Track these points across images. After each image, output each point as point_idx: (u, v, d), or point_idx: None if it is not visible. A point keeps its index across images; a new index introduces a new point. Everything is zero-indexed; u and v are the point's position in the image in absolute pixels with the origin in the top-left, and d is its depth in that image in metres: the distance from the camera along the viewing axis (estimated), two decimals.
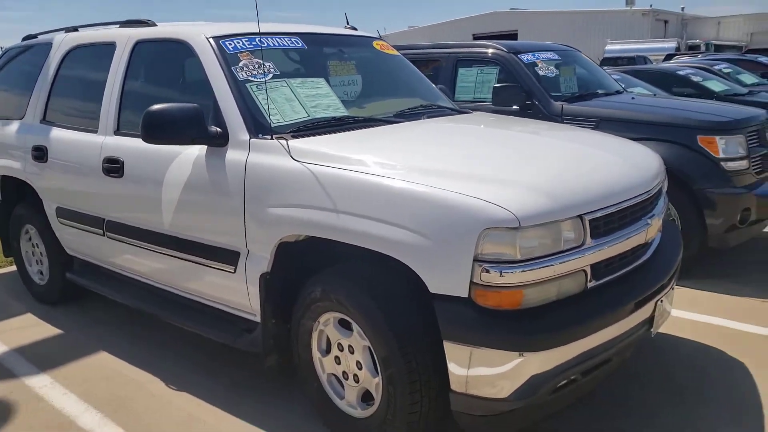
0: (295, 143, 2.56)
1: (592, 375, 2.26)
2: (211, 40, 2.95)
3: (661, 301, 2.46)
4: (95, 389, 3.10)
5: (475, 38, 32.27)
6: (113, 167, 3.22)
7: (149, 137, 2.64)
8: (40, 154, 3.77)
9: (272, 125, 2.67)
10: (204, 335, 3.02)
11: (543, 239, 2.03)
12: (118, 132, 3.30)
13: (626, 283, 2.32)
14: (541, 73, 5.06)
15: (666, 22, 35.19)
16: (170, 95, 3.12)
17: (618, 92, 5.49)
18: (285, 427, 2.69)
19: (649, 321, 2.43)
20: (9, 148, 4.10)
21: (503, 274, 1.98)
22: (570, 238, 2.09)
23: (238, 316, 2.88)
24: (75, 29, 3.98)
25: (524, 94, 4.88)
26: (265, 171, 2.54)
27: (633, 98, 5.13)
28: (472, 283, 2.01)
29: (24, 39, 4.44)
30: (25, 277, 4.42)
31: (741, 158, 4.09)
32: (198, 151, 2.80)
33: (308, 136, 2.67)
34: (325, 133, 2.72)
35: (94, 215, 3.47)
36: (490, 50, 5.38)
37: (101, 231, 3.44)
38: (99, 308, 4.09)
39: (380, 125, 2.95)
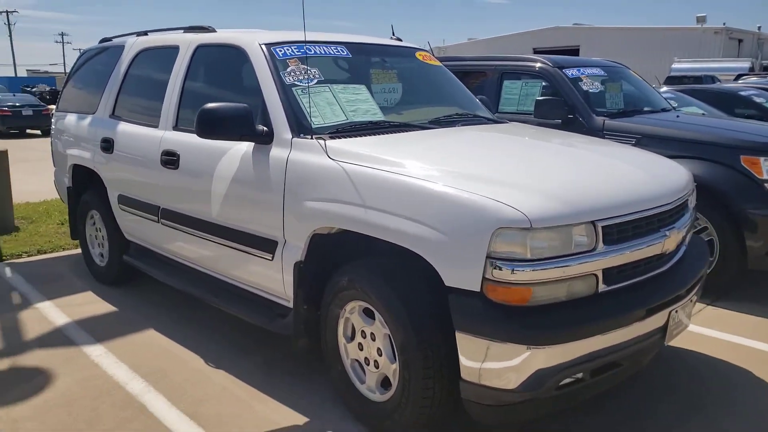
0: (332, 143, 2.76)
1: (600, 377, 2.34)
2: (263, 46, 3.20)
3: (676, 311, 2.51)
4: (143, 361, 3.39)
5: (536, 52, 32.05)
6: (170, 159, 3.52)
7: (202, 132, 2.90)
8: (107, 145, 4.14)
9: (313, 126, 2.89)
10: (242, 318, 3.26)
11: (553, 241, 2.14)
12: (176, 127, 3.61)
13: (640, 290, 2.39)
14: (585, 88, 5.11)
15: (740, 41, 33.89)
16: (225, 95, 3.40)
17: (665, 110, 5.46)
18: (310, 406, 2.88)
19: (663, 330, 2.48)
20: (81, 139, 4.51)
21: (514, 272, 2.11)
22: (582, 242, 2.20)
23: (273, 302, 3.11)
24: (145, 33, 4.35)
25: (566, 108, 4.95)
26: (303, 167, 2.76)
27: (678, 116, 5.10)
28: (484, 278, 2.14)
29: (101, 41, 4.86)
30: (88, 258, 4.82)
31: None
32: (246, 147, 3.05)
33: (345, 137, 2.87)
34: (360, 135, 2.91)
35: (151, 203, 3.79)
36: (537, 64, 5.46)
37: (156, 218, 3.75)
38: (151, 291, 4.42)
39: (414, 130, 3.12)
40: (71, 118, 4.74)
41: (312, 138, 2.82)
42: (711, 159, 4.15)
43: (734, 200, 4.00)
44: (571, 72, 5.22)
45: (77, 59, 5.02)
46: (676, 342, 3.49)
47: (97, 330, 3.81)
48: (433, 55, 4.26)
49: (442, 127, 3.30)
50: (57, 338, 3.71)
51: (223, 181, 3.16)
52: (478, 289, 2.16)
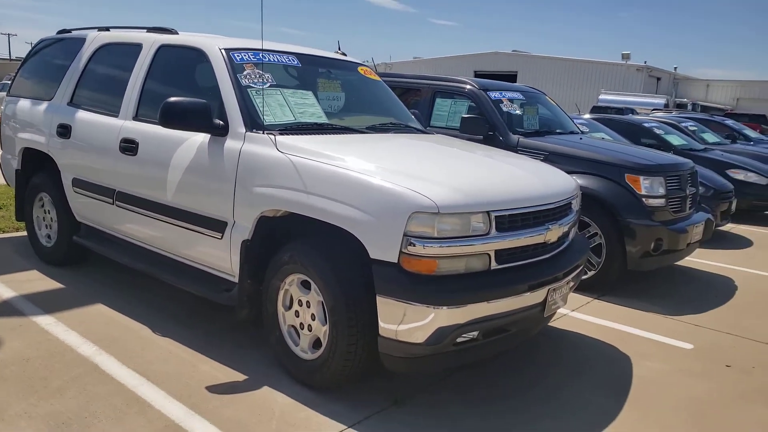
0: (281, 138, 3.23)
1: (492, 338, 2.92)
2: (223, 50, 3.64)
3: (554, 290, 3.12)
4: (93, 329, 3.70)
5: (477, 75, 33.49)
6: (129, 146, 3.87)
7: (165, 122, 3.30)
8: (64, 131, 4.42)
9: (264, 123, 3.35)
10: (190, 290, 3.64)
11: (456, 225, 2.70)
12: (136, 118, 3.96)
13: (525, 270, 2.99)
14: (505, 109, 5.80)
15: (659, 79, 36.69)
16: (184, 92, 3.78)
17: (573, 132, 6.24)
18: (249, 366, 3.30)
19: (542, 305, 3.09)
20: (35, 124, 4.74)
21: (424, 247, 2.64)
22: (478, 227, 2.77)
23: (219, 278, 3.52)
24: (107, 29, 4.66)
25: (488, 126, 5.61)
26: (254, 158, 3.21)
27: (581, 138, 5.87)
28: (401, 252, 2.67)
29: (59, 32, 5.11)
30: (33, 239, 5.01)
31: (660, 197, 4.82)
32: (202, 138, 3.47)
33: (293, 134, 3.34)
34: (306, 134, 3.39)
35: (107, 186, 4.10)
36: (466, 86, 6.12)
37: (111, 200, 4.07)
38: (97, 271, 4.70)
39: (353, 133, 3.64)
40: (24, 104, 4.95)
41: (263, 133, 3.28)
42: (602, 175, 4.89)
43: (618, 211, 4.74)
44: (494, 95, 5.90)
45: (33, 47, 5.25)
46: (567, 326, 4.16)
47: (44, 303, 4.06)
48: (375, 70, 4.80)
49: (377, 133, 3.83)
50: (3, 309, 3.93)
51: (179, 167, 3.55)
52: (396, 261, 2.68)
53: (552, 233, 3.14)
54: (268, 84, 3.58)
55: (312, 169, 2.98)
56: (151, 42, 4.09)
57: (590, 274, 4.84)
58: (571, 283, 3.40)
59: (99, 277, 4.61)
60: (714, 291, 5.31)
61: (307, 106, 3.65)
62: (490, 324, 2.84)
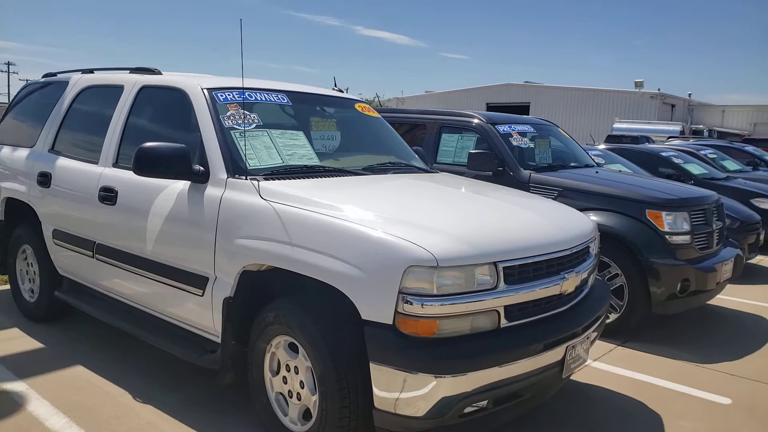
0: (265, 184, 2.94)
1: (503, 406, 2.54)
2: (205, 90, 3.39)
3: (573, 347, 2.75)
4: (67, 396, 3.37)
5: (489, 107, 33.42)
6: (108, 195, 3.61)
7: (139, 170, 3.03)
8: (44, 179, 4.18)
9: (248, 167, 3.07)
10: (172, 353, 3.31)
11: (458, 279, 2.36)
12: (116, 164, 3.71)
13: (539, 326, 2.63)
14: (515, 143, 5.50)
15: (673, 106, 36.37)
16: (165, 135, 3.53)
17: (588, 166, 5.90)
18: None
19: (560, 364, 2.71)
20: (17, 173, 4.52)
21: (423, 306, 2.30)
22: (484, 281, 2.42)
23: (203, 338, 3.19)
24: (91, 71, 4.47)
25: (497, 161, 5.30)
26: (236, 206, 2.92)
27: (597, 172, 5.53)
28: (396, 312, 2.33)
29: (44, 76, 4.94)
30: (16, 294, 4.74)
31: (684, 233, 4.43)
32: (182, 186, 3.19)
33: (279, 179, 3.05)
34: (293, 178, 3.10)
35: (87, 238, 3.83)
36: (473, 120, 5.84)
37: (91, 253, 3.79)
38: (81, 329, 4.39)
39: (347, 176, 3.34)
40: (6, 151, 4.74)
41: (246, 179, 2.99)
42: (621, 212, 4.53)
43: (641, 250, 4.36)
44: (503, 128, 5.61)
45: (18, 92, 5.07)
46: (587, 379, 3.75)
47: (20, 366, 3.75)
48: (380, 106, 4.54)
49: (374, 174, 3.53)
50: None
51: (158, 218, 3.27)
52: (390, 322, 2.34)
53: (569, 283, 2.78)
54: (254, 125, 3.31)
55: (296, 217, 2.68)
56: (132, 83, 3.86)
57: (612, 318, 4.44)
58: (594, 336, 3.02)
59: (81, 335, 4.30)
60: (747, 333, 4.86)
61: (297, 147, 3.37)
62: (501, 391, 2.47)
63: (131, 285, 3.56)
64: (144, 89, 3.79)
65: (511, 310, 2.51)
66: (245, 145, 3.13)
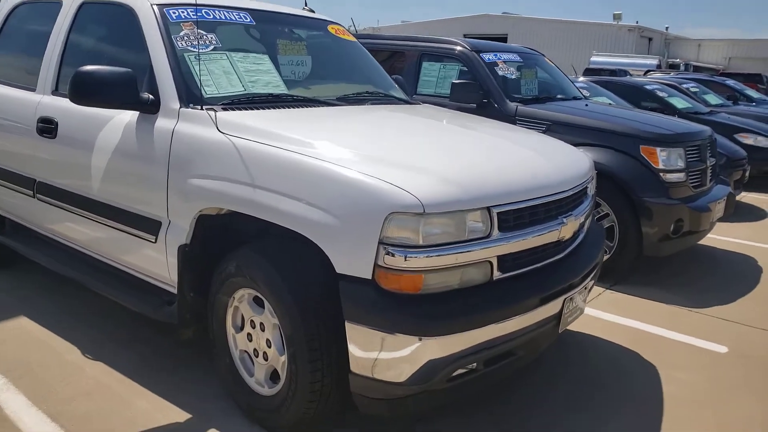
0: (223, 115, 2.54)
1: (494, 366, 2.29)
2: (155, 6, 2.91)
3: (571, 299, 2.50)
4: (7, 352, 3.05)
5: (467, 38, 32.31)
6: (47, 127, 3.16)
7: (77, 98, 2.60)
8: None
9: (204, 96, 2.65)
10: (125, 305, 2.99)
11: (447, 227, 2.05)
12: (56, 92, 3.24)
13: (534, 277, 2.36)
14: (500, 73, 5.10)
15: (650, 39, 35.77)
16: (110, 59, 3.06)
17: (576, 98, 5.56)
18: (194, 401, 2.68)
19: (557, 318, 2.47)
20: None
21: (407, 259, 2.00)
22: (476, 228, 2.12)
23: (160, 288, 2.86)
24: None
25: (481, 93, 4.92)
26: (190, 140, 2.53)
27: (587, 105, 5.20)
28: (376, 265, 2.02)
29: None
30: None
31: (679, 171, 4.18)
32: (130, 116, 2.77)
33: (240, 110, 2.66)
34: (257, 109, 2.70)
35: (26, 176, 3.40)
36: (456, 47, 5.40)
37: (31, 192, 3.37)
38: (31, 271, 4.00)
39: (319, 106, 2.95)
40: None
41: (202, 109, 2.59)
42: (613, 147, 4.24)
43: (633, 188, 4.11)
44: (488, 57, 5.20)
45: None
46: (576, 326, 3.55)
47: None
48: (356, 31, 4.08)
49: (349, 105, 3.14)
50: None
51: (104, 153, 2.86)
52: (369, 277, 2.04)
53: (567, 228, 2.50)
54: (211, 47, 2.86)
55: (259, 154, 2.31)
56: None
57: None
58: (590, 285, 2.78)
59: (28, 282, 3.92)
60: (738, 275, 4.72)
61: (262, 73, 2.94)
62: (494, 351, 2.22)
63: (77, 228, 3.18)
64: (85, 5, 3.27)
65: (505, 261, 2.23)
66: (200, 69, 2.70)
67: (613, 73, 21.45)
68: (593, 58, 28.37)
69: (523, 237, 2.27)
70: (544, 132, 4.38)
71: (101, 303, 3.53)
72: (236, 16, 3.14)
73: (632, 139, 4.22)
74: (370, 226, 2.01)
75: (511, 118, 4.71)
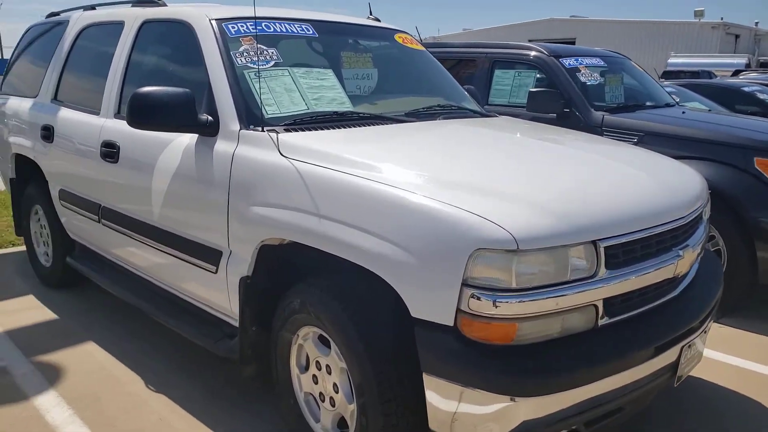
0: (286, 137, 2.32)
1: (597, 425, 1.94)
2: (213, 22, 2.75)
3: (689, 345, 2.10)
4: (74, 381, 2.96)
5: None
6: (110, 152, 3.07)
7: (134, 121, 2.46)
8: (47, 133, 3.68)
9: (265, 116, 2.45)
10: (185, 336, 2.83)
11: (546, 266, 1.72)
12: (118, 115, 3.15)
13: (647, 322, 1.98)
14: (583, 79, 4.69)
15: (737, 36, 33.57)
16: (170, 79, 2.94)
17: (668, 105, 5.05)
18: None
19: (673, 367, 2.08)
20: (23, 126, 4.04)
21: (496, 304, 1.69)
22: (580, 266, 1.78)
23: (221, 320, 2.68)
24: (92, 8, 3.87)
25: (563, 102, 4.52)
26: (251, 165, 2.32)
27: (684, 112, 4.69)
28: (458, 310, 1.73)
29: (48, 16, 4.38)
30: (32, 257, 4.36)
31: None
32: (189, 139, 2.61)
33: (303, 130, 2.44)
34: (322, 129, 2.47)
35: (92, 200, 3.34)
36: (531, 52, 5.03)
37: (97, 217, 3.30)
38: (99, 296, 3.97)
39: (387, 123, 2.69)
40: (13, 102, 4.26)
41: (263, 130, 2.38)
42: (721, 161, 3.74)
43: (746, 207, 3.59)
44: (568, 62, 4.79)
45: (22, 36, 4.53)
46: None
47: (28, 343, 3.37)
48: (420, 40, 3.82)
49: (420, 121, 2.87)
50: None
51: (164, 178, 2.71)
52: (451, 324, 1.75)
53: (683, 262, 2.11)
54: (272, 62, 2.67)
55: (324, 180, 2.06)
56: (133, 18, 3.25)
57: None
58: (709, 326, 2.36)
59: (98, 305, 3.88)
60: None
61: (326, 89, 2.72)
62: (598, 411, 1.86)
63: (140, 254, 3.07)
64: (146, 24, 3.17)
65: (612, 304, 1.87)
66: (261, 88, 2.50)
67: (695, 74, 20.18)
68: (671, 60, 26.78)
69: (634, 275, 1.90)
70: (635, 144, 3.94)
71: (165, 330, 3.40)
72: (298, 29, 2.94)
73: (744, 150, 3.71)
74: (451, 264, 1.72)
75: (597, 129, 4.29)
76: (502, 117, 3.41)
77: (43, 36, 4.30)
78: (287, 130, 2.40)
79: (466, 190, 1.86)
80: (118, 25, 3.34)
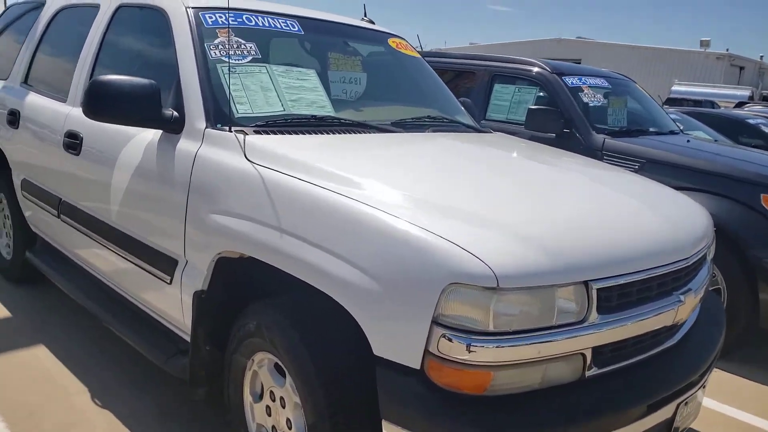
0: (254, 140, 2.10)
1: None
2: (190, 10, 2.53)
3: (686, 402, 1.88)
4: (13, 392, 2.71)
5: None
6: (73, 143, 2.84)
7: (91, 112, 2.23)
8: (13, 118, 3.45)
9: (235, 115, 2.23)
10: (137, 349, 2.59)
11: (529, 307, 1.50)
12: None
13: (641, 374, 1.76)
14: (585, 99, 4.49)
15: (742, 68, 33.61)
16: (140, 69, 2.72)
17: (673, 133, 4.85)
18: None
19: (668, 425, 1.85)
20: None
21: (470, 348, 1.46)
22: (568, 309, 1.56)
23: (177, 334, 2.45)
24: None
25: (563, 121, 4.32)
26: (213, 168, 2.10)
27: (688, 141, 4.49)
28: (427, 351, 1.50)
29: None
30: None
31: None
32: (153, 135, 2.39)
33: (275, 133, 2.22)
34: (296, 133, 2.25)
35: (52, 193, 3.10)
36: (533, 68, 4.83)
37: (56, 212, 3.06)
38: (61, 295, 3.69)
39: (370, 132, 2.47)
40: None
41: (230, 130, 2.16)
42: (726, 195, 3.53)
43: (750, 245, 3.38)
44: (571, 80, 4.59)
45: (1, 15, 4.30)
46: None
47: None
48: (420, 47, 3.61)
49: (407, 132, 2.65)
50: None
51: (123, 176, 2.49)
52: (417, 366, 1.52)
53: (684, 308, 1.89)
54: (250, 57, 2.45)
55: (288, 191, 1.84)
56: (108, 2, 3.03)
57: None
58: (708, 377, 2.14)
59: (58, 303, 3.62)
60: None
61: (306, 90, 2.50)
62: None
63: (96, 255, 2.84)
64: (122, 8, 2.95)
65: (602, 352, 1.65)
66: (232, 83, 2.28)
67: (698, 103, 20.11)
68: (675, 87, 26.71)
69: (629, 321, 1.68)
70: (636, 171, 3.74)
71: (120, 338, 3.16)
72: (282, 24, 2.72)
73: (751, 186, 3.50)
74: (421, 298, 1.49)
75: (597, 153, 4.09)
76: (497, 134, 3.20)
77: (21, 16, 4.08)
78: (258, 132, 2.18)
79: (445, 214, 1.64)
80: (93, 9, 3.12)
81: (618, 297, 1.66)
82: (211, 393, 2.31)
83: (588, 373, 1.64)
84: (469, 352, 1.46)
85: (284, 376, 1.93)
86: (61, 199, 3.03)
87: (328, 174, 1.86)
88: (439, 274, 1.47)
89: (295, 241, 1.77)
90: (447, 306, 1.47)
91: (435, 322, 1.48)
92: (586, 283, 1.58)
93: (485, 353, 1.47)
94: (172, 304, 2.31)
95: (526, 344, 1.50)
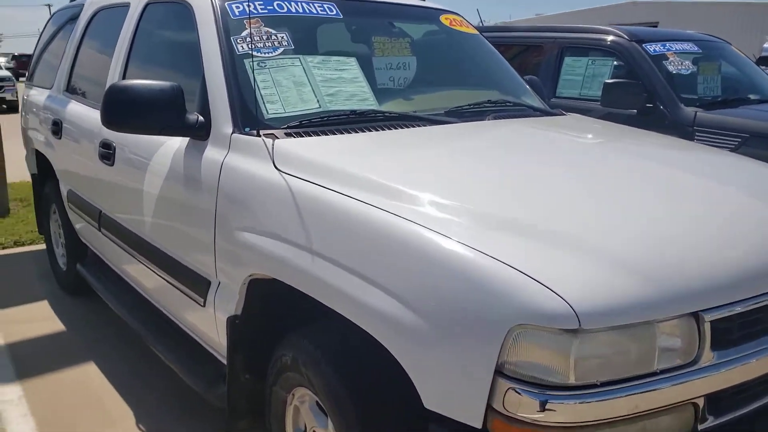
0: (285, 144, 1.84)
1: None
2: (215, 1, 2.29)
3: None
4: (59, 412, 2.63)
5: None
6: (106, 153, 2.69)
7: (109, 121, 2.03)
8: (56, 128, 3.37)
9: (265, 117, 1.97)
10: (178, 373, 2.41)
11: (621, 350, 1.16)
12: None
13: (762, 422, 1.37)
14: (670, 68, 3.96)
15: None
16: (170, 70, 2.53)
17: None
18: None
19: None
20: (38, 119, 3.78)
21: (546, 406, 1.14)
22: (673, 347, 1.20)
23: (218, 359, 2.24)
24: None
25: (645, 95, 3.82)
26: (239, 179, 1.85)
27: None
28: (490, 407, 1.19)
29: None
30: (52, 259, 4.11)
31: None
32: (180, 142, 2.17)
33: (310, 134, 1.94)
34: (333, 133, 1.97)
35: (94, 205, 2.99)
36: (608, 36, 4.32)
37: (97, 225, 2.95)
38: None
39: (418, 125, 2.15)
40: (34, 93, 4.01)
41: (258, 134, 1.90)
42: None
43: None
44: (653, 48, 4.06)
45: (46, 22, 4.27)
46: None
47: (25, 360, 3.07)
48: (481, 23, 3.23)
49: (463, 121, 2.30)
50: None
51: (153, 187, 2.30)
52: (479, 425, 1.21)
53: None
54: (281, 49, 2.18)
55: (318, 204, 1.57)
56: (137, 0, 2.84)
57: None
58: None
59: (114, 317, 3.53)
60: None
61: (345, 82, 2.20)
62: None
63: (135, 271, 2.70)
64: (149, 6, 2.76)
65: (719, 399, 1.28)
66: (261, 80, 2.02)
67: None
68: (767, 45, 24.48)
69: (754, 358, 1.29)
70: (736, 148, 3.22)
71: None
72: (319, 9, 2.43)
73: None
74: (479, 340, 1.18)
75: (687, 129, 3.58)
76: (570, 115, 2.79)
77: (64, 21, 4.01)
78: (290, 135, 1.91)
79: (510, 232, 1.30)
80: (124, 8, 2.96)
81: (738, 328, 1.28)
82: (255, 426, 2.09)
83: (701, 427, 1.27)
84: (544, 410, 1.13)
85: (327, 415, 1.68)
86: (101, 211, 2.90)
87: (364, 182, 1.56)
88: (503, 313, 1.15)
89: (326, 264, 1.49)
90: (514, 352, 1.15)
91: (499, 372, 1.17)
92: (696, 315, 1.21)
93: (565, 411, 1.14)
94: (209, 327, 2.10)
95: (619, 397, 1.15)
